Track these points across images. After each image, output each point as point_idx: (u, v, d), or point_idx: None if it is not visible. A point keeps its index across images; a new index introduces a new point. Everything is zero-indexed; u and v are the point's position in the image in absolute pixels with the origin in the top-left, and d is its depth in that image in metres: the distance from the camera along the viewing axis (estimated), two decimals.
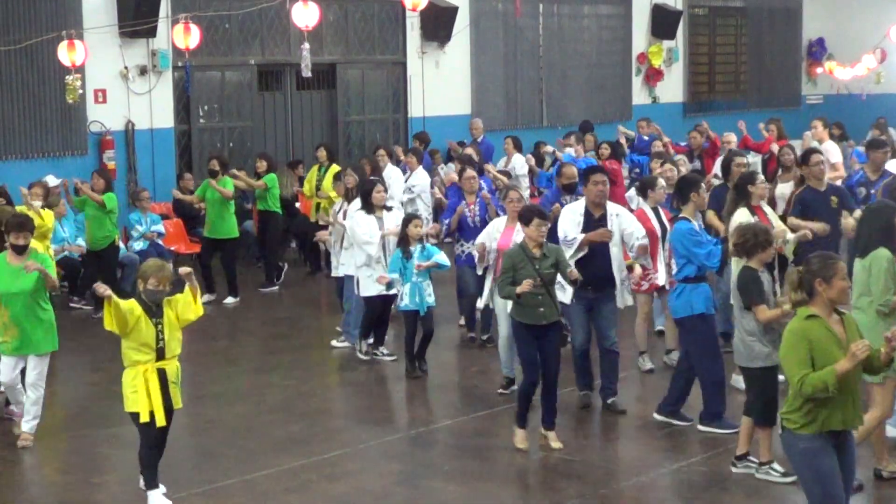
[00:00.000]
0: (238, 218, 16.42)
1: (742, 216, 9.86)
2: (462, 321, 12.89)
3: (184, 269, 7.99)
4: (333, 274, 12.68)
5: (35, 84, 15.47)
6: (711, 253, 9.29)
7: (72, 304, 14.35)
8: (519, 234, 9.65)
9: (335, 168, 15.61)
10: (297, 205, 17.00)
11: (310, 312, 14.59)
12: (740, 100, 24.73)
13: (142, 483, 8.14)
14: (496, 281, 9.70)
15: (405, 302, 11.03)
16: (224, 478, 8.42)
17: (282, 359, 12.00)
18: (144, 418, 7.88)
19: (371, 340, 11.85)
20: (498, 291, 9.39)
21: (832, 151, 15.02)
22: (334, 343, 12.41)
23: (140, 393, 7.89)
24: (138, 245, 15.11)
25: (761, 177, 10.50)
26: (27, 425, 9.34)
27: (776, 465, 8.27)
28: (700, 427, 9.36)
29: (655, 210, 10.96)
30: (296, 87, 18.29)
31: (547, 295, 8.91)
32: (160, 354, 7.96)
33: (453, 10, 19.20)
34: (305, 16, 13.32)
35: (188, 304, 8.02)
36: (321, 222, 13.77)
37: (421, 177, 15.25)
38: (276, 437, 9.56)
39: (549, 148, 17.85)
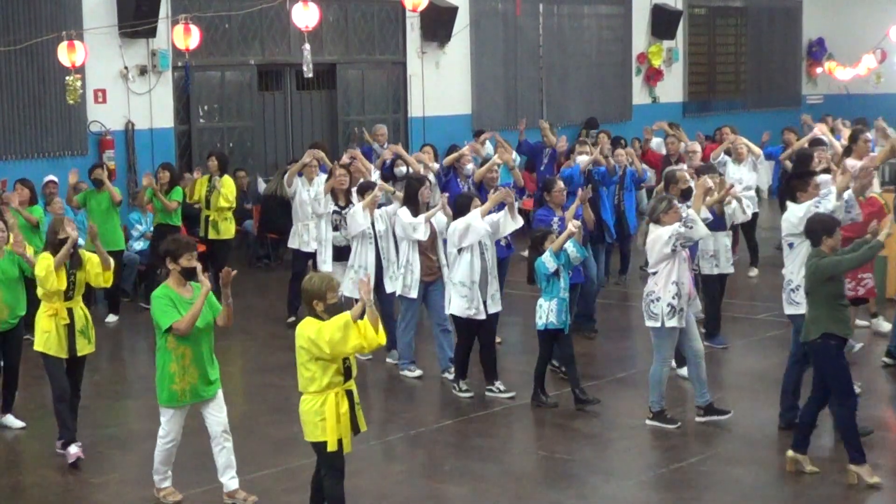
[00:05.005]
0: (238, 218, 16.46)
1: None
2: None
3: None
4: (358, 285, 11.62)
5: (35, 84, 15.47)
6: None
7: None
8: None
9: (228, 179, 14.76)
10: None
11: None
12: (740, 100, 24.75)
13: None
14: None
15: (549, 320, 9.95)
16: None
17: (282, 359, 11.97)
18: (333, 447, 7.18)
19: (464, 377, 10.70)
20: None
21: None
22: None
23: (330, 420, 7.17)
24: (138, 245, 15.09)
25: None
26: (236, 481, 8.18)
27: None
28: None
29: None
30: (296, 87, 18.30)
31: None
32: (347, 375, 7.31)
33: (453, 10, 19.21)
34: (305, 16, 13.31)
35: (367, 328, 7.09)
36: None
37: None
38: (276, 437, 9.57)
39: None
